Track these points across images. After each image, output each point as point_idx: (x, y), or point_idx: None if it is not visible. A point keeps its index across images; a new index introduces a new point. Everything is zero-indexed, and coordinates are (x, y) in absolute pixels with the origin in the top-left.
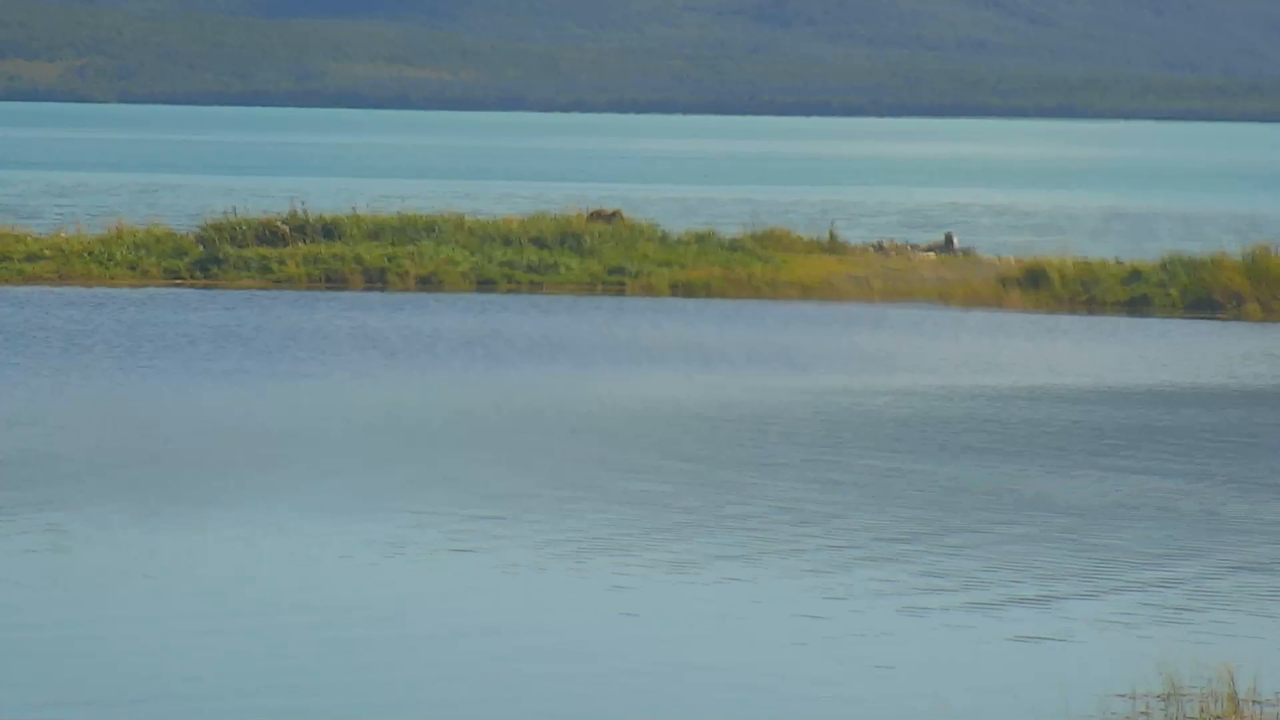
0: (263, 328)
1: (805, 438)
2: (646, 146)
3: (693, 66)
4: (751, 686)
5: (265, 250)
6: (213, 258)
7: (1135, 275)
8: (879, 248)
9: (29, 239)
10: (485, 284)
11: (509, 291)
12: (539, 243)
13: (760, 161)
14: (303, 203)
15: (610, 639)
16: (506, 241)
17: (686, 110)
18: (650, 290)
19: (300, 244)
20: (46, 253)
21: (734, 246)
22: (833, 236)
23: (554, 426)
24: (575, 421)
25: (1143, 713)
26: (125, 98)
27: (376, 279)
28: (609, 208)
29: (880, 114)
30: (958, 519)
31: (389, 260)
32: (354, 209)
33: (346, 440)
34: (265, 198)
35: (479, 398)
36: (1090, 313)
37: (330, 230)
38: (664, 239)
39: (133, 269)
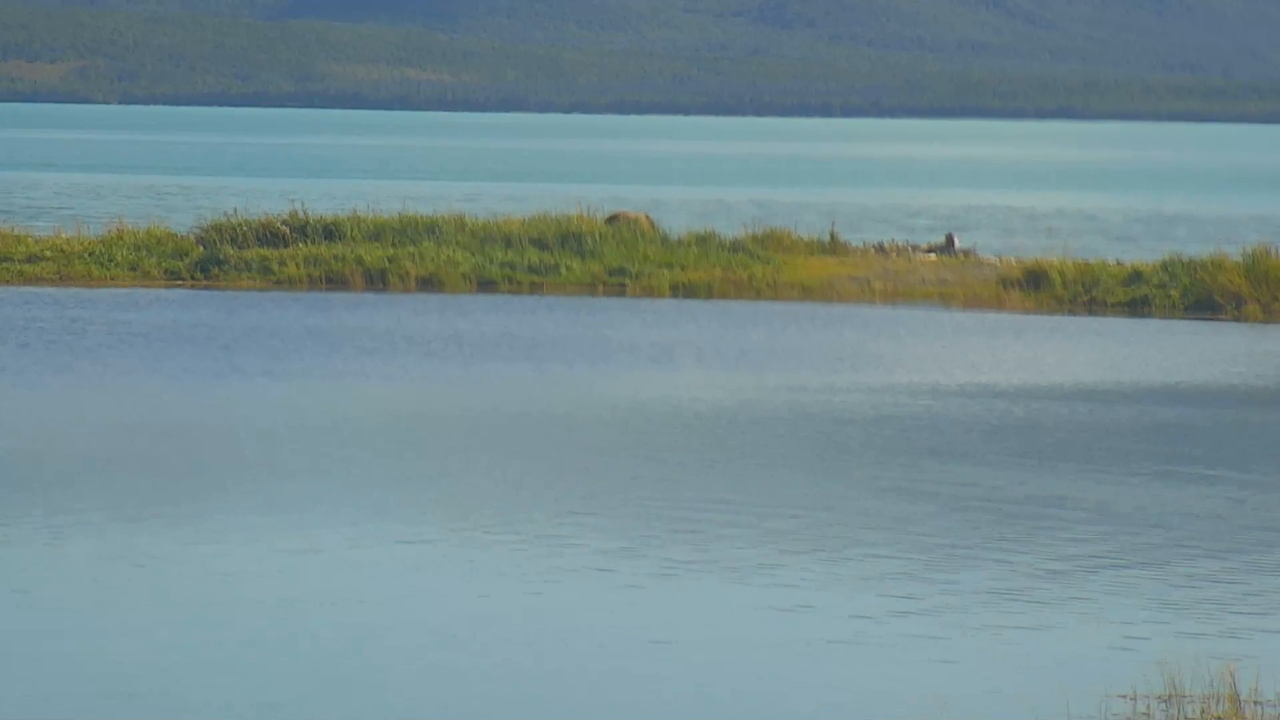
0: (262, 328)
1: (804, 438)
2: (649, 148)
3: (693, 68)
4: (752, 687)
5: (266, 251)
6: (213, 259)
7: (1135, 276)
8: (880, 249)
9: (29, 240)
10: (486, 285)
11: (510, 292)
12: (540, 244)
13: (765, 163)
14: (303, 204)
15: (609, 638)
16: (507, 242)
17: (687, 112)
18: (651, 291)
19: (301, 245)
20: (47, 254)
21: (735, 248)
22: (833, 237)
23: (554, 427)
24: (575, 422)
25: (1144, 713)
26: (126, 99)
27: (377, 280)
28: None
29: (880, 115)
30: (956, 520)
31: (390, 261)
32: (354, 210)
33: (343, 442)
34: (266, 198)
35: (478, 398)
36: (1091, 314)
37: (331, 231)
38: (665, 240)
39: (133, 270)
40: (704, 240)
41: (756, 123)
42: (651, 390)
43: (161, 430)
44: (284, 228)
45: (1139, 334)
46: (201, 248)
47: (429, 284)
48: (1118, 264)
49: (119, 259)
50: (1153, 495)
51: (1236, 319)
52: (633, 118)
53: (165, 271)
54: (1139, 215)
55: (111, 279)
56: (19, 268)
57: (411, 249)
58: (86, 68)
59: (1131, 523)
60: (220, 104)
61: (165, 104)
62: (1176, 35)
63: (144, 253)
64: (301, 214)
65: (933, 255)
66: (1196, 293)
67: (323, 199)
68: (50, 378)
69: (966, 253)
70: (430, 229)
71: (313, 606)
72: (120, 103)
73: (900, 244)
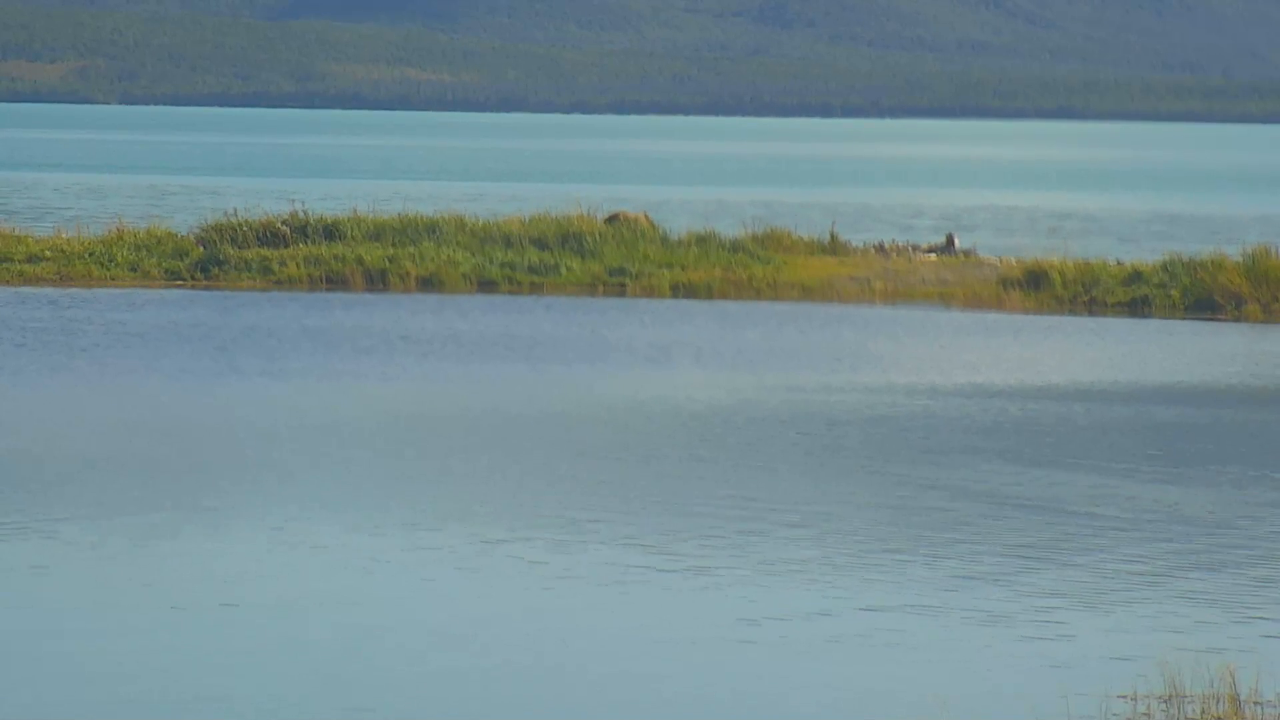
0: (262, 329)
1: (805, 439)
2: (649, 148)
3: (693, 68)
4: (752, 687)
5: (266, 251)
6: (213, 259)
7: (1136, 276)
8: (880, 249)
9: (30, 240)
10: (486, 285)
11: (510, 292)
12: (540, 244)
13: (765, 163)
14: (303, 204)
15: (609, 638)
16: (508, 242)
17: (687, 112)
18: (651, 291)
19: (301, 245)
20: (47, 254)
21: (735, 247)
22: (833, 237)
23: (553, 428)
24: (574, 422)
25: (1144, 714)
26: (126, 99)
27: (377, 280)
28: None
29: (880, 115)
30: (957, 520)
31: (390, 261)
32: (354, 210)
33: (343, 442)
34: (266, 198)
35: (478, 398)
36: (1091, 314)
37: (331, 231)
38: (665, 240)
39: (133, 270)
40: (704, 240)
41: (756, 123)
42: (651, 390)
43: (161, 430)
44: (284, 228)
45: (1139, 334)
46: (201, 248)
47: (429, 284)
48: (1118, 264)
49: (119, 259)
50: (1152, 495)
51: (1236, 319)
52: (633, 118)
53: (165, 271)
54: (1139, 215)
55: (112, 279)
56: (19, 268)
57: (411, 249)
58: (86, 68)
59: (1131, 523)
60: (220, 104)
61: (165, 104)
62: (1176, 35)
63: (144, 253)
64: (301, 214)
65: (933, 255)
66: (1196, 293)
67: (323, 199)
68: (49, 378)
69: (967, 253)
70: (430, 229)
71: (313, 606)
72: (120, 103)
73: (900, 244)
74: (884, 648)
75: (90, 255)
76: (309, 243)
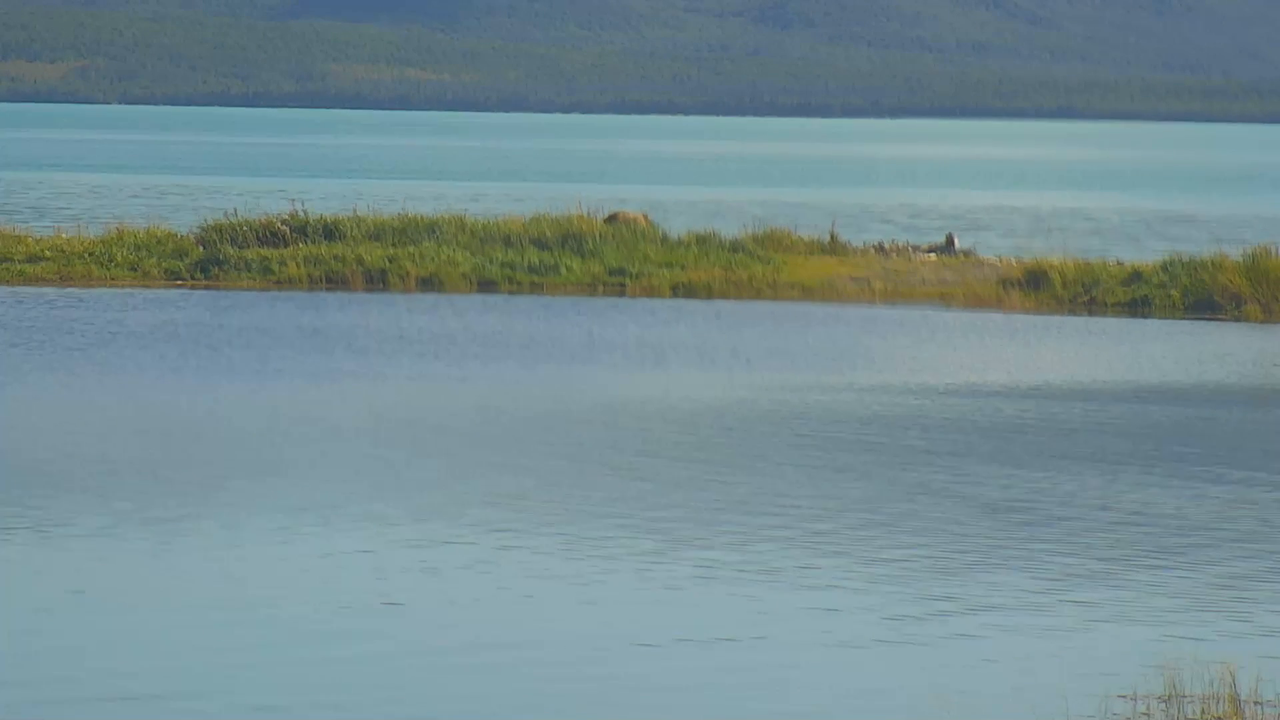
0: (263, 329)
1: (804, 439)
2: (649, 148)
3: (693, 68)
4: (754, 686)
5: (266, 251)
6: (213, 259)
7: (1136, 276)
8: (880, 249)
9: (29, 240)
10: (486, 285)
11: (510, 292)
12: (540, 244)
13: (765, 163)
14: (303, 204)
15: (608, 638)
16: (508, 242)
17: (687, 112)
18: (651, 291)
19: (301, 245)
20: (47, 254)
21: (735, 247)
22: (833, 237)
23: (553, 428)
24: (574, 423)
25: (1144, 714)
26: (126, 99)
27: (377, 280)
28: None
29: (881, 115)
30: (955, 520)
31: (390, 261)
32: (354, 210)
33: (344, 443)
34: (266, 198)
35: (479, 399)
36: (1091, 314)
37: (331, 231)
38: (665, 240)
39: (133, 270)
40: (704, 240)
41: (756, 123)
42: (651, 390)
43: (160, 430)
44: (284, 228)
45: (1139, 334)
46: (201, 248)
47: (429, 284)
48: (1118, 264)
49: (119, 259)
50: (1152, 496)
51: (1236, 319)
52: (633, 118)
53: (165, 271)
54: (1139, 215)
55: (111, 279)
56: (19, 268)
57: (411, 249)
58: (86, 68)
59: (1131, 523)
60: (220, 104)
61: (165, 104)
62: (1176, 35)
63: (144, 253)
64: (301, 214)
65: (933, 255)
66: (1196, 293)
67: (323, 199)
68: (49, 378)
69: (966, 253)
70: (430, 229)
71: (313, 607)
72: (120, 103)
73: (900, 244)
74: (884, 647)
75: (90, 255)
76: (309, 243)
